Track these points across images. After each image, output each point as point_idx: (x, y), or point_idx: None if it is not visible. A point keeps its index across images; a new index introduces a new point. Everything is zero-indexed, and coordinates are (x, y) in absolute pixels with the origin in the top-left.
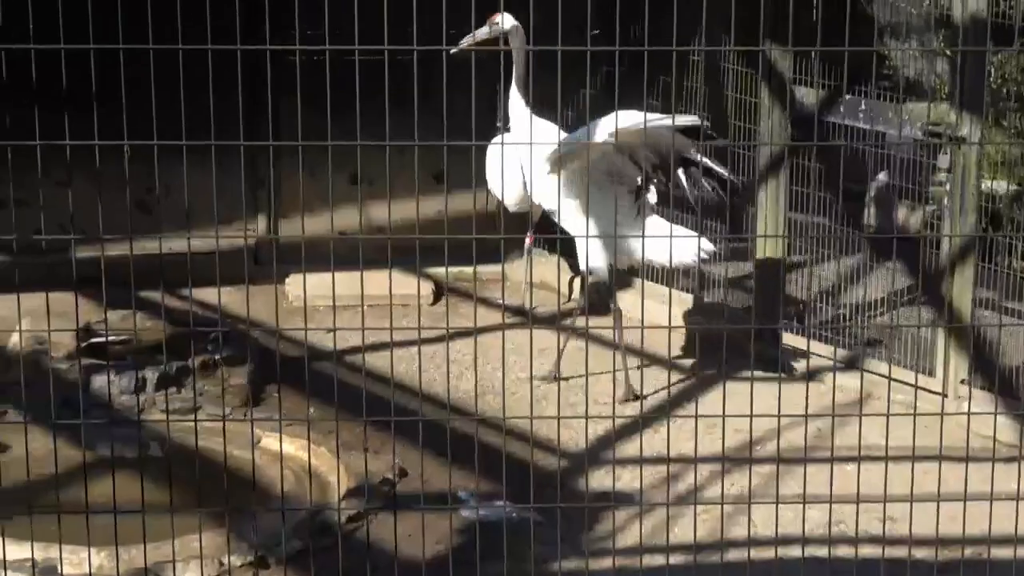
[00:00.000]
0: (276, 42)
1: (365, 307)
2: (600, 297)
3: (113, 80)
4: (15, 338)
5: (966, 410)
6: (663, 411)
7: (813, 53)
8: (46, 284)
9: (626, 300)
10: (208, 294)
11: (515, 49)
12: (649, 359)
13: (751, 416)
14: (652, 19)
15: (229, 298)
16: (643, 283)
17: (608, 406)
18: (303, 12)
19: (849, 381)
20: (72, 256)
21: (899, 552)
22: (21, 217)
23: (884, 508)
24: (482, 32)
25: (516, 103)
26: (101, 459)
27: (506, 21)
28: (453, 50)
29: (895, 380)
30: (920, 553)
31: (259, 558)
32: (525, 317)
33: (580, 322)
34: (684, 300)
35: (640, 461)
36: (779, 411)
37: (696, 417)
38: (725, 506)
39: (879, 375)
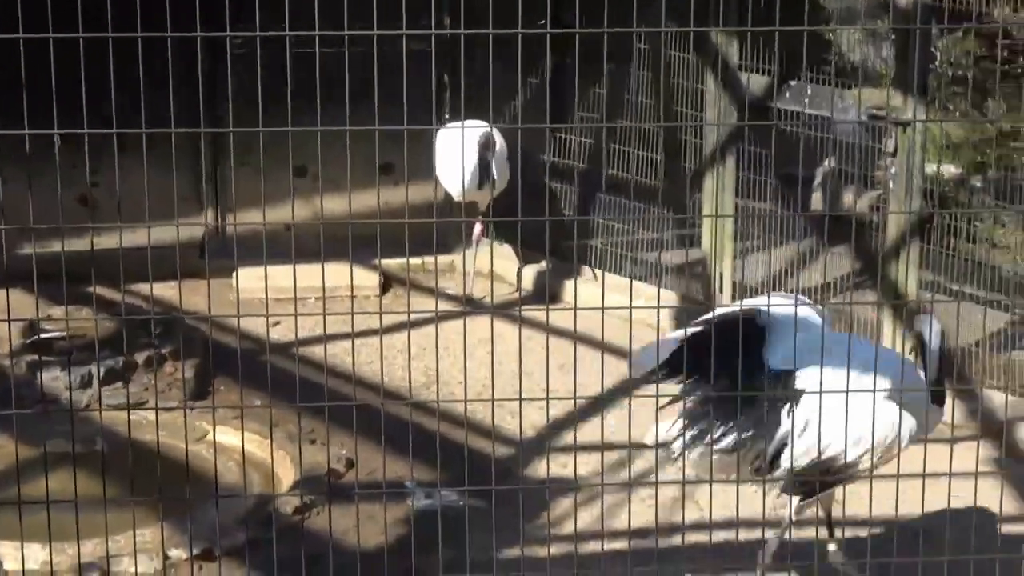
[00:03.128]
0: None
1: (312, 299)
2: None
3: (45, 70)
4: None
5: None
6: (613, 396)
7: (760, 40)
8: None
9: (584, 290)
10: (156, 289)
11: None
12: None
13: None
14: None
15: (175, 292)
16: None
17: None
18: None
19: None
20: (1, 251)
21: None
22: None
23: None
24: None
25: None
26: (42, 454)
27: None
28: None
29: None
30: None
31: (204, 551)
32: (471, 307)
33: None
34: (641, 290)
35: (575, 448)
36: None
37: (630, 397)
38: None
39: None
